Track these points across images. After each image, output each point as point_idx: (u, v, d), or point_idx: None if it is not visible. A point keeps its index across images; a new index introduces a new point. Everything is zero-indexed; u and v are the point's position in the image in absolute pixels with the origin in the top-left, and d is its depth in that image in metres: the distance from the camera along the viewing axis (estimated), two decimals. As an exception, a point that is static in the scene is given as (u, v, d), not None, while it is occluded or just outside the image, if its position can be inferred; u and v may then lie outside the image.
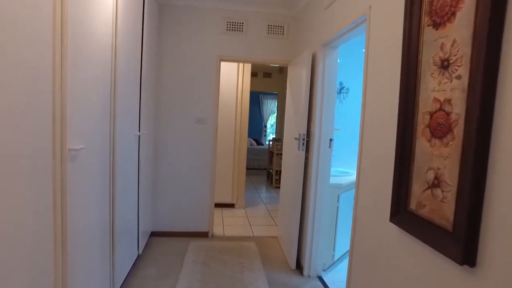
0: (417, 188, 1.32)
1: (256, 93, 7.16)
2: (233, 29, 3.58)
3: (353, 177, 3.29)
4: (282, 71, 7.84)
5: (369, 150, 1.83)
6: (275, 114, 11.41)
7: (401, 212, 1.41)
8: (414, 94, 1.35)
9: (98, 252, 1.91)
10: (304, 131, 2.86)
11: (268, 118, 11.15)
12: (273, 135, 11.61)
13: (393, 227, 1.48)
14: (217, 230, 3.91)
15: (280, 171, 6.68)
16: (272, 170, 6.67)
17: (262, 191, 6.32)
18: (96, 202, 1.85)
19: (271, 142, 7.28)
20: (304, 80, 2.88)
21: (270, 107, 11.01)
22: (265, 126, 11.17)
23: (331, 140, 2.79)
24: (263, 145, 9.95)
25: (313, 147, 2.80)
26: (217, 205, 4.67)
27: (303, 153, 2.89)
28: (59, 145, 1.36)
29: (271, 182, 6.70)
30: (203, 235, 3.68)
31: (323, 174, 2.79)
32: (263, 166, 8.68)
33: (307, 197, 2.92)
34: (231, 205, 4.92)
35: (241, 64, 4.77)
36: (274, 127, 11.66)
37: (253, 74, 4.85)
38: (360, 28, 2.19)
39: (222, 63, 3.88)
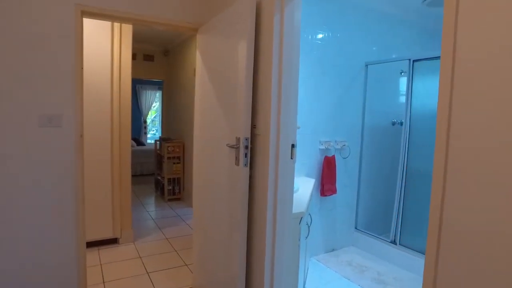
0: None
1: (132, 81, 5.42)
2: (104, -37, 2.12)
3: (304, 197, 2.34)
4: (168, 53, 6.35)
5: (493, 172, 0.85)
6: (156, 107, 9.77)
7: None
8: None
9: None
10: (246, 134, 1.73)
11: (148, 113, 9.40)
12: (153, 132, 9.92)
13: None
14: (95, 296, 2.41)
15: (174, 179, 5.35)
16: (163, 178, 5.26)
17: (152, 207, 4.87)
18: None
19: (157, 143, 5.80)
20: (243, 49, 1.73)
21: (150, 98, 9.28)
22: (145, 122, 9.39)
23: (293, 146, 1.74)
24: (144, 145, 8.26)
25: (266, 158, 1.70)
26: (91, 244, 3.12)
27: (246, 170, 1.76)
28: None
29: (162, 194, 5.29)
30: (70, 315, 2.16)
31: (284, 201, 1.73)
32: (148, 172, 7.08)
33: (255, 236, 1.82)
34: (114, 241, 3.38)
35: (117, 38, 3.23)
36: (157, 123, 9.99)
37: (132, 57, 3.42)
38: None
39: (87, 25, 2.37)
